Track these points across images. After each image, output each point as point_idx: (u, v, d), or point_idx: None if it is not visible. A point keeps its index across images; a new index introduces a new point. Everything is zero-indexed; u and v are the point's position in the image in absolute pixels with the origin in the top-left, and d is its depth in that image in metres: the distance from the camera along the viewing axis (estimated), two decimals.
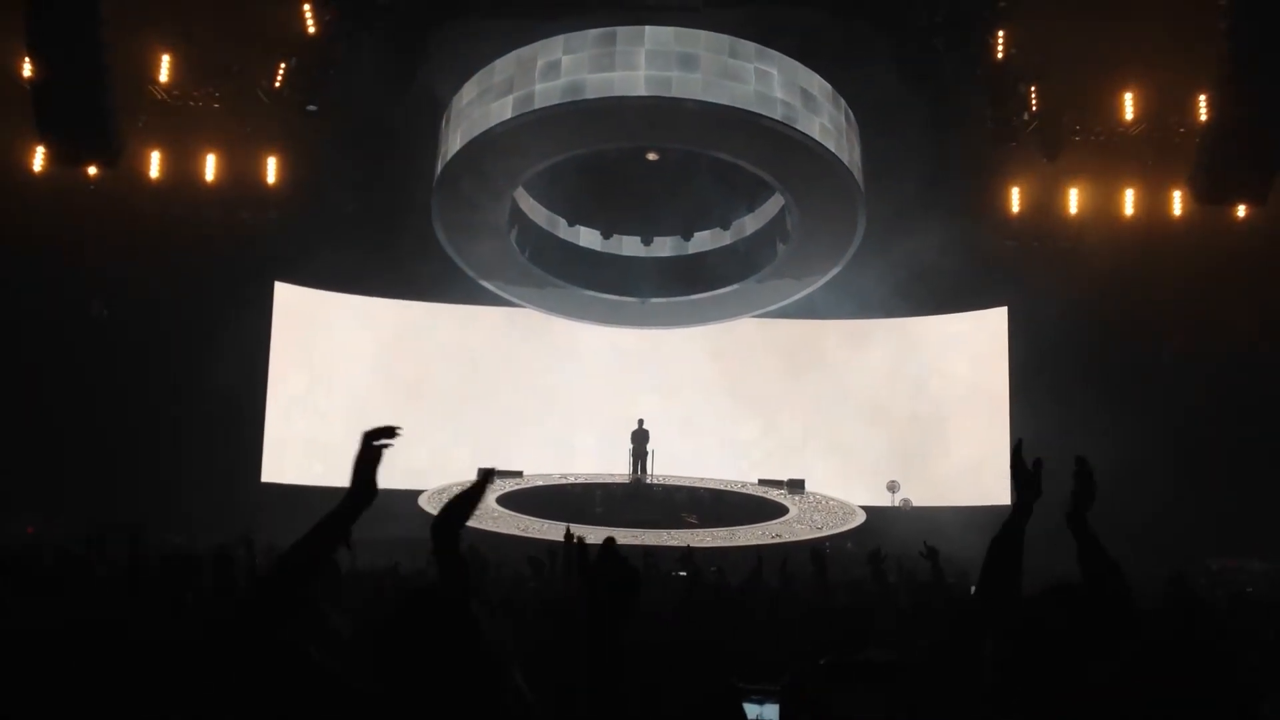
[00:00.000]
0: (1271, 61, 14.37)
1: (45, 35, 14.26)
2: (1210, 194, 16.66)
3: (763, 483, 21.85)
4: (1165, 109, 18.89)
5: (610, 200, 21.45)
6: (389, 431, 2.57)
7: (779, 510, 20.21)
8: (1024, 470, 3.15)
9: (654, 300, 22.04)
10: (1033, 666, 2.63)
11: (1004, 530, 3.14)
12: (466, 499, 2.64)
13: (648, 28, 17.05)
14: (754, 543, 16.73)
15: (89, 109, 14.94)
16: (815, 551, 6.74)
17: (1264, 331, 18.28)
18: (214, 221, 19.79)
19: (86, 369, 18.89)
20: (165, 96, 18.76)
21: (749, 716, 3.19)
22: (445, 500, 2.65)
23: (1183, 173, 17.49)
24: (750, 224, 21.84)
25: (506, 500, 19.90)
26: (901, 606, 6.03)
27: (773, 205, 20.83)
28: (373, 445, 2.55)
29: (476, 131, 17.42)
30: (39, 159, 17.80)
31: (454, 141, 17.89)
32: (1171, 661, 2.19)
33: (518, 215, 20.67)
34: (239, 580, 5.11)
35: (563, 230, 21.98)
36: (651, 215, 21.98)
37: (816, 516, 19.68)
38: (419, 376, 23.07)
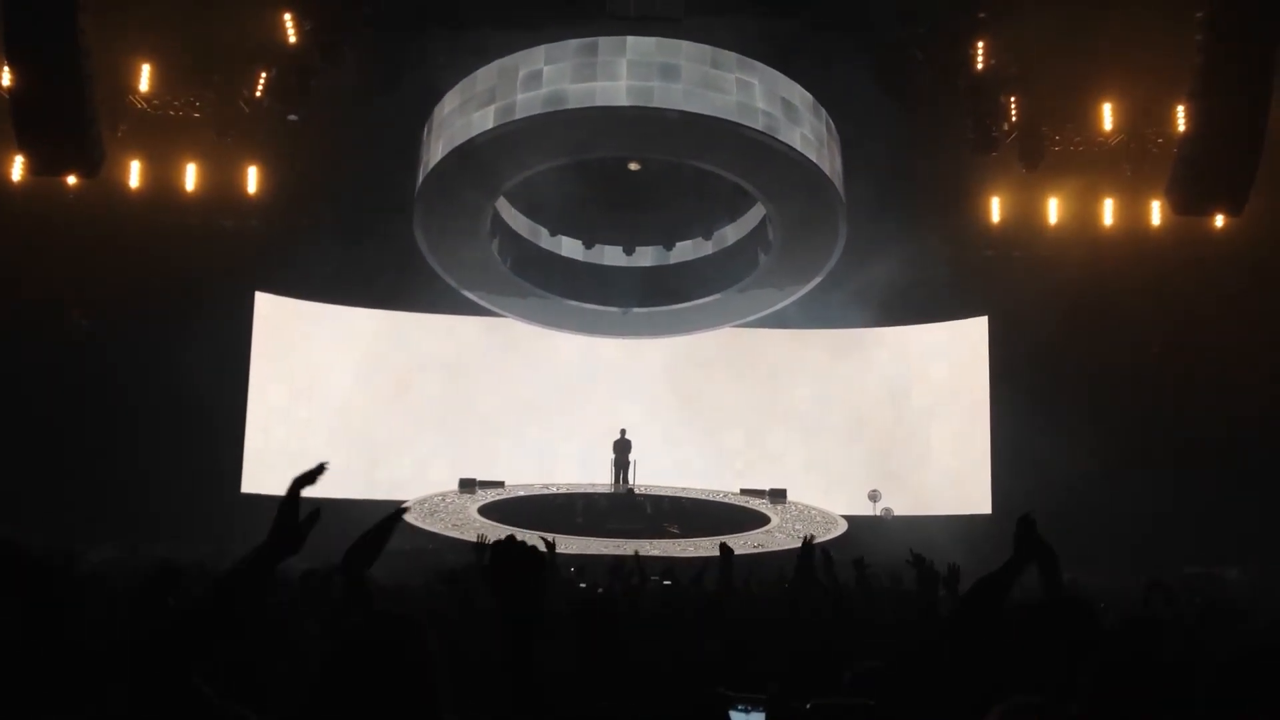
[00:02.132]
0: (1247, 73, 14.51)
1: (24, 44, 14.19)
2: (1187, 204, 16.78)
3: (745, 492, 21.87)
4: (1143, 120, 19.05)
5: (592, 210, 21.45)
6: (317, 473, 2.50)
7: (761, 519, 20.23)
8: (1029, 539, 3.23)
9: (636, 310, 22.03)
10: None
11: (993, 579, 3.20)
12: (373, 539, 2.56)
13: (629, 38, 17.07)
14: (740, 552, 16.72)
15: (68, 118, 14.86)
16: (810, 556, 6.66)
17: (1241, 340, 18.41)
18: (194, 231, 19.71)
19: (66, 379, 18.77)
20: (145, 105, 18.70)
21: None
22: (363, 534, 2.58)
23: (1161, 183, 17.61)
24: (732, 234, 21.87)
25: (488, 510, 19.86)
26: (885, 614, 6.05)
27: (754, 215, 20.87)
28: (298, 491, 2.47)
29: (458, 141, 17.40)
30: (18, 168, 17.72)
31: (436, 151, 17.87)
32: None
33: (499, 225, 20.66)
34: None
35: (544, 240, 21.97)
36: (633, 225, 22.00)
37: (798, 526, 19.70)
38: (400, 387, 23.01)
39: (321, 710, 2.22)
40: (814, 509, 20.90)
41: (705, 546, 17.71)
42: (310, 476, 2.49)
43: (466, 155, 17.42)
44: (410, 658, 2.25)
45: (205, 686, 2.30)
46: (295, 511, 2.46)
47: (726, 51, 17.14)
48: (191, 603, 2.35)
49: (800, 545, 6.69)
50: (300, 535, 2.45)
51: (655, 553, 16.71)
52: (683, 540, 18.56)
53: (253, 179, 19.78)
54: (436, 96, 18.13)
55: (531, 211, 21.52)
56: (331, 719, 2.21)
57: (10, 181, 17.99)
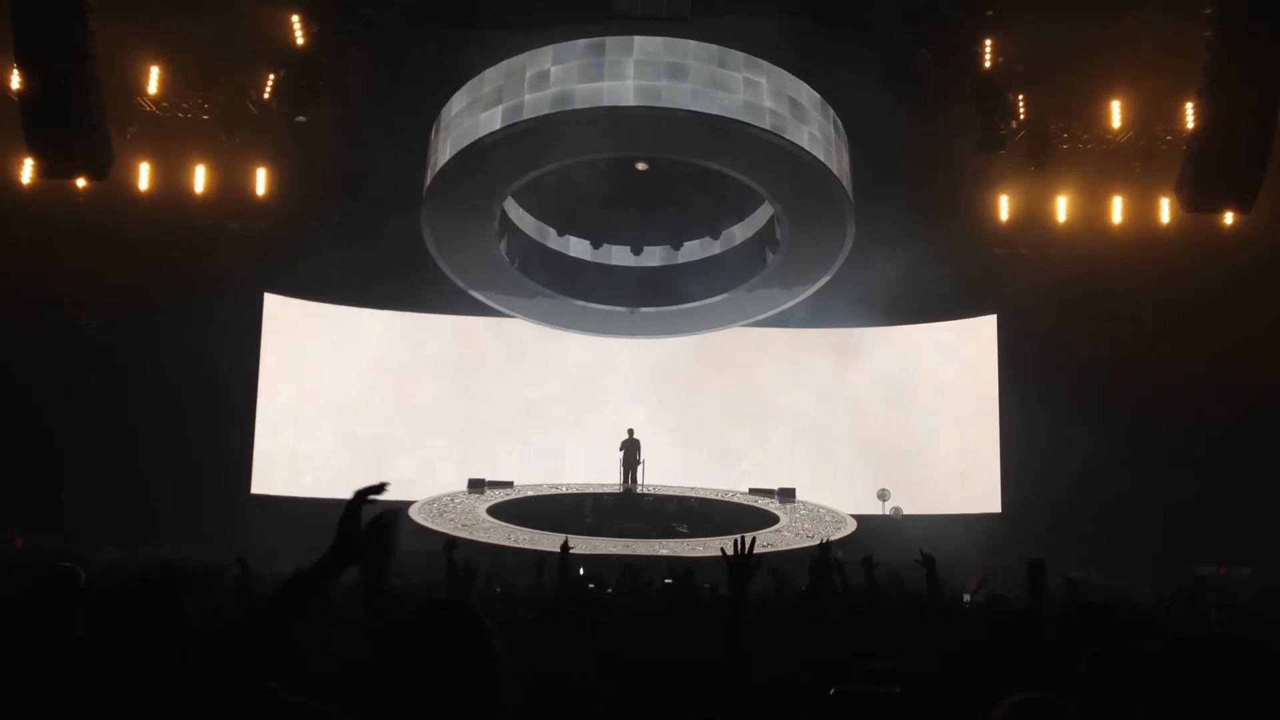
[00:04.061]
0: (1256, 70, 14.45)
1: (33, 46, 14.21)
2: (1196, 202, 16.71)
3: (753, 492, 21.84)
4: (1152, 117, 19.01)
5: (600, 210, 21.45)
6: (378, 489, 2.51)
7: (770, 519, 20.20)
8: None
9: (643, 310, 22.02)
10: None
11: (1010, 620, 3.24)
12: (377, 549, 2.52)
13: (636, 38, 17.05)
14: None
15: (77, 121, 14.88)
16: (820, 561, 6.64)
17: (1250, 337, 18.35)
18: (203, 233, 19.79)
19: (75, 381, 18.82)
20: (154, 108, 18.75)
21: None
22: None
23: (1170, 180, 17.55)
24: (740, 233, 21.85)
25: (497, 511, 19.86)
26: (895, 614, 6.03)
27: (762, 214, 20.84)
28: (359, 502, 2.48)
29: (466, 142, 17.40)
30: (27, 171, 17.76)
31: (443, 152, 17.88)
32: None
33: (507, 225, 20.67)
34: (225, 599, 5.05)
35: (552, 240, 21.97)
36: (641, 225, 21.99)
37: (807, 525, 19.67)
38: (408, 387, 23.03)
39: (388, 705, 2.21)
40: (823, 508, 20.86)
41: (715, 546, 17.69)
42: (374, 490, 2.50)
43: (474, 156, 17.43)
44: (471, 646, 2.24)
45: (280, 688, 2.31)
46: (357, 522, 2.46)
47: (734, 51, 17.12)
48: (251, 612, 2.36)
49: (817, 546, 6.66)
50: (361, 545, 2.45)
51: (665, 552, 16.72)
52: (692, 540, 18.54)
53: (261, 180, 19.83)
54: (444, 97, 18.13)
55: (539, 212, 21.53)
56: (398, 713, 2.21)
57: (20, 184, 18.04)
